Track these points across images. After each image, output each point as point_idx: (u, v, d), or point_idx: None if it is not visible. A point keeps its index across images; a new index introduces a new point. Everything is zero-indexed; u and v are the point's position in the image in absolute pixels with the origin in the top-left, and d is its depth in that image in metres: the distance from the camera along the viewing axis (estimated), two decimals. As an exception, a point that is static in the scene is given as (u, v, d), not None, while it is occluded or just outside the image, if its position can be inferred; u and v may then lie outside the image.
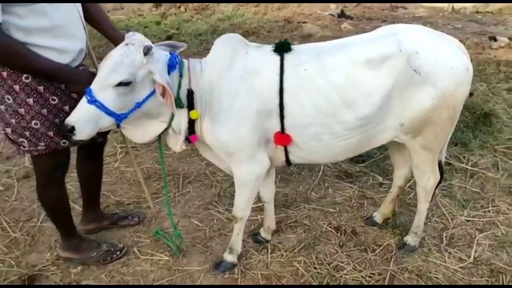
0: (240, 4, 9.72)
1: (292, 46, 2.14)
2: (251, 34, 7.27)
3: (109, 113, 1.91)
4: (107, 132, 2.38)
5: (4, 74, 1.95)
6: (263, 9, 8.88)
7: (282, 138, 2.14)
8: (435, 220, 2.92)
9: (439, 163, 2.54)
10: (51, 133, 2.06)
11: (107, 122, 1.93)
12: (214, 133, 2.14)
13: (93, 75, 1.97)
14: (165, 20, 8.56)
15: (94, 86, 1.89)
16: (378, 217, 2.85)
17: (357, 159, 3.62)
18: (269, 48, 2.15)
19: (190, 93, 2.08)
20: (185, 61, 2.10)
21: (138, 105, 1.96)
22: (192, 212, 3.04)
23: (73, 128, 1.87)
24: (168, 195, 2.59)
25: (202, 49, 6.66)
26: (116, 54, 1.93)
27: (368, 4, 9.29)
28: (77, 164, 2.64)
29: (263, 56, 2.12)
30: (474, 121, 4.12)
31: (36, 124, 2.02)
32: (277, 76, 2.06)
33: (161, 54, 2.01)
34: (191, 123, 2.14)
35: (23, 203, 3.14)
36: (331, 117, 2.08)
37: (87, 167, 2.62)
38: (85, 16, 2.18)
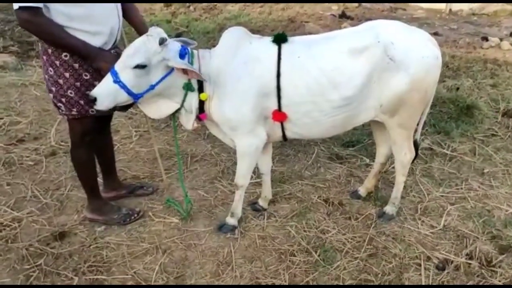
0: (246, 4, 10.12)
1: (289, 38, 2.55)
2: (255, 32, 7.61)
3: (129, 92, 2.32)
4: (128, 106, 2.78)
5: (49, 51, 2.40)
6: (268, 9, 9.28)
7: (279, 115, 2.54)
8: (413, 195, 3.31)
9: (415, 142, 2.93)
10: (82, 102, 2.50)
11: (124, 98, 2.33)
12: (221, 110, 2.54)
13: (116, 56, 2.38)
14: (175, 19, 8.97)
15: (117, 66, 2.30)
16: (362, 190, 3.25)
17: (347, 144, 4.03)
18: (269, 39, 2.56)
19: (200, 78, 2.49)
20: (195, 51, 2.52)
21: (152, 87, 2.37)
22: (199, 185, 3.45)
23: (95, 99, 2.28)
24: (182, 166, 2.97)
25: (210, 46, 7.05)
26: (137, 42, 2.35)
27: (368, 5, 9.67)
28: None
29: (264, 46, 2.53)
30: (458, 112, 4.51)
31: (71, 93, 2.46)
32: (275, 62, 2.46)
33: (175, 46, 2.42)
34: (201, 103, 2.56)
35: (51, 175, 3.55)
36: (320, 97, 2.48)
37: (101, 140, 3.00)
38: (123, 12, 2.61)
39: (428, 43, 2.54)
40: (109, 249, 2.76)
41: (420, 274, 2.59)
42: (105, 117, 2.87)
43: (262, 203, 3.14)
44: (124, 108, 2.52)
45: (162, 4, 10.20)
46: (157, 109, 2.56)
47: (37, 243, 2.80)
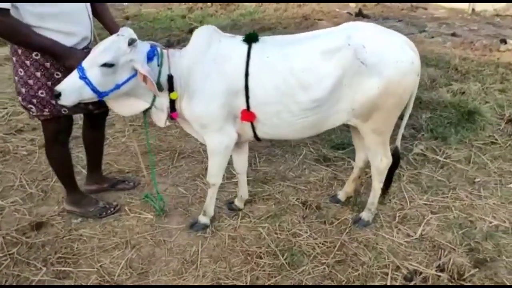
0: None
1: (261, 37, 2.53)
2: (267, 29, 7.66)
3: (94, 90, 2.33)
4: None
5: (19, 51, 2.43)
6: (284, 6, 9.21)
7: (248, 114, 2.53)
8: (394, 202, 3.23)
9: (395, 148, 2.87)
10: (54, 102, 2.53)
11: (89, 95, 2.34)
12: (190, 108, 2.55)
13: (85, 55, 2.40)
14: (190, 14, 9.03)
15: (85, 64, 2.32)
16: (341, 195, 3.20)
17: (338, 146, 3.96)
18: (240, 38, 2.54)
19: (170, 78, 2.50)
20: (164, 51, 2.52)
21: (118, 86, 2.37)
22: (181, 182, 3.47)
23: (60, 94, 2.30)
24: (154, 166, 3.01)
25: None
26: (107, 40, 2.37)
27: (388, 4, 9.47)
28: (82, 131, 3.12)
29: (234, 45, 2.51)
30: (458, 118, 4.36)
31: (42, 93, 2.50)
32: (244, 62, 2.45)
33: (144, 47, 2.42)
34: (172, 102, 2.56)
35: (41, 166, 3.66)
36: (289, 98, 2.45)
37: (91, 134, 3.08)
38: (92, 11, 2.64)
39: (405, 46, 2.46)
40: (81, 242, 2.82)
41: (386, 284, 2.53)
42: (102, 113, 2.91)
43: (238, 203, 3.13)
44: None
45: (180, -2, 10.28)
46: (127, 107, 2.58)
47: (14, 232, 2.89)
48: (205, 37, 2.52)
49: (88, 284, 2.50)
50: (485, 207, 3.18)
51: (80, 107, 2.59)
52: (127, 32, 2.39)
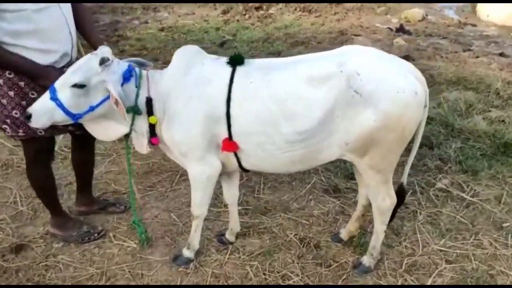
0: (303, 13, 9.82)
1: (246, 60, 2.28)
2: (300, 44, 7.39)
3: (66, 111, 2.17)
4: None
5: None
6: (321, 20, 8.89)
7: (229, 144, 2.28)
8: (404, 245, 2.86)
9: (401, 186, 2.53)
10: None
11: (61, 117, 2.19)
12: (169, 133, 2.34)
13: (61, 74, 2.25)
14: (226, 26, 8.91)
15: (57, 84, 2.17)
16: (344, 233, 2.87)
17: (351, 176, 3.61)
18: (224, 60, 2.31)
19: (149, 101, 2.30)
20: (144, 72, 2.33)
21: (92, 108, 2.21)
22: (175, 207, 3.26)
23: (30, 116, 2.16)
24: (133, 193, 2.81)
25: (248, 56, 6.88)
26: (80, 60, 2.22)
27: (434, 19, 8.92)
28: (71, 152, 2.99)
29: (217, 67, 2.29)
30: (493, 149, 3.90)
31: (16, 113, 2.37)
32: (226, 86, 2.21)
33: (120, 67, 2.24)
34: (152, 126, 2.36)
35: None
36: (272, 128, 2.19)
37: (79, 155, 2.95)
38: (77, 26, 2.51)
39: (408, 75, 2.13)
40: (56, 270, 2.68)
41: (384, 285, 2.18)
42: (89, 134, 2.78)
43: (228, 236, 2.88)
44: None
45: (219, 11, 10.23)
46: (104, 131, 2.41)
47: (-7, 253, 2.78)
48: (186, 58, 2.32)
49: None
50: (510, 258, 2.75)
51: (58, 128, 2.46)
52: (102, 51, 2.22)
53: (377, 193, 2.41)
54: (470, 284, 2.54)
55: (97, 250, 2.82)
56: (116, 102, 2.15)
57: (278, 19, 9.40)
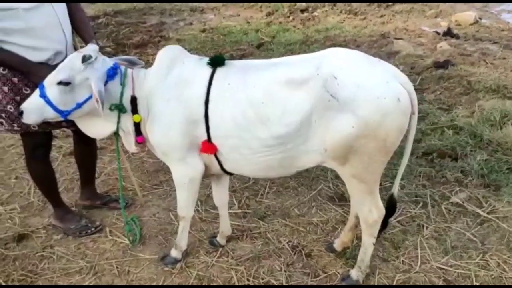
0: (349, 15, 9.60)
1: (227, 61, 2.25)
2: (338, 46, 7.20)
3: (55, 108, 2.24)
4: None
5: None
6: (364, 23, 8.63)
7: (208, 146, 2.27)
8: (402, 260, 2.70)
9: (391, 196, 2.39)
10: None
11: (51, 114, 2.25)
12: (151, 133, 2.35)
13: (51, 71, 2.32)
14: (267, 28, 8.88)
15: (46, 82, 2.24)
16: (337, 244, 2.76)
17: (360, 184, 3.46)
18: (205, 60, 2.29)
19: (133, 99, 2.33)
20: (129, 70, 2.36)
21: (79, 105, 2.26)
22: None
23: (23, 112, 2.25)
24: (122, 190, 2.83)
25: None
26: (67, 58, 2.28)
27: (487, 23, 8.39)
28: (73, 147, 3.09)
29: (197, 68, 2.27)
30: (522, 163, 3.60)
31: (10, 108, 2.48)
32: (205, 87, 2.20)
33: (104, 65, 2.28)
34: (137, 125, 2.39)
35: (55, 174, 3.71)
36: (247, 132, 2.14)
37: (80, 150, 3.04)
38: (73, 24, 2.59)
39: (391, 81, 2.00)
40: (50, 261, 2.77)
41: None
42: None
43: (219, 239, 2.85)
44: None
45: (264, 13, 10.23)
46: (94, 128, 2.47)
47: (-2, 241, 2.93)
48: (168, 58, 2.32)
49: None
50: (518, 283, 2.51)
51: (51, 124, 2.54)
52: (87, 49, 2.28)
53: (362, 204, 2.29)
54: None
55: (91, 244, 2.90)
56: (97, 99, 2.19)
57: (321, 21, 9.25)
